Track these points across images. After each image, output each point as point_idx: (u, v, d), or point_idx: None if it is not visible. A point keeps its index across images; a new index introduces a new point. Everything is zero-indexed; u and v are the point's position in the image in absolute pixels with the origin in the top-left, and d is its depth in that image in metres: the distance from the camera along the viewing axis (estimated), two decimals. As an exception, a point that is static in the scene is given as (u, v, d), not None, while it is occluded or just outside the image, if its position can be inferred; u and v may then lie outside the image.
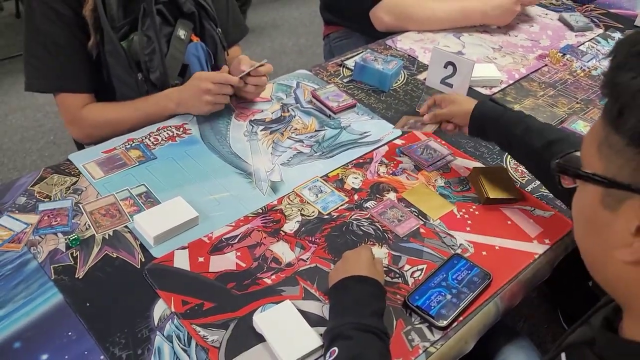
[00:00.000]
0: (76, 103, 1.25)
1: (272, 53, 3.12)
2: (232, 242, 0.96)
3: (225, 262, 0.92)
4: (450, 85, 1.25)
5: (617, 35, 1.71)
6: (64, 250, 0.92)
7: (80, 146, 1.39)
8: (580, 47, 1.63)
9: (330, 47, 1.99)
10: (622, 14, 1.85)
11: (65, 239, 0.93)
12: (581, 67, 1.54)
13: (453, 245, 0.98)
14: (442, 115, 1.11)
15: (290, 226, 0.99)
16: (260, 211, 1.02)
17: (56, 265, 0.89)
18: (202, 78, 1.19)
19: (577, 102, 1.38)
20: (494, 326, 0.89)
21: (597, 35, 1.70)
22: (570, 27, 1.73)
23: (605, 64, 1.56)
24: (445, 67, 1.24)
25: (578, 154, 0.52)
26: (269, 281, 0.89)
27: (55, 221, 0.97)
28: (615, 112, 0.46)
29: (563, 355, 0.56)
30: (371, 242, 0.97)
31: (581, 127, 1.27)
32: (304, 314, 0.83)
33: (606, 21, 1.80)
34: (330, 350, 0.72)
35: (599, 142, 0.48)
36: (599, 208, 0.49)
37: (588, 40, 1.67)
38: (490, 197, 1.04)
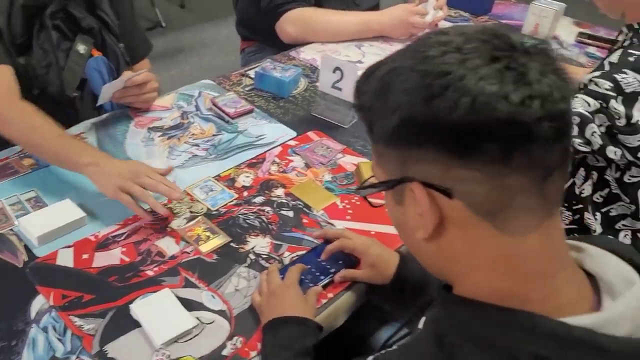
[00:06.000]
0: None
1: (200, 71, 3.16)
2: (119, 239, 0.99)
3: (109, 257, 0.95)
4: (340, 89, 1.34)
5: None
6: (-53, 255, 0.93)
7: None
8: (472, 54, 1.76)
9: (246, 61, 2.07)
10: (512, 24, 2.00)
11: (-51, 244, 0.95)
12: (470, 72, 1.66)
13: (332, 233, 1.04)
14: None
15: (178, 222, 1.04)
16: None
17: (-63, 269, 0.91)
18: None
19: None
20: (366, 307, 0.96)
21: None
22: (464, 37, 1.87)
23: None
24: (334, 72, 1.33)
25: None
26: (151, 273, 0.93)
27: (-61, 228, 0.98)
28: (368, 130, 0.54)
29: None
30: (255, 233, 1.03)
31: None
32: (184, 300, 0.87)
33: (498, 31, 1.94)
34: None
35: (376, 158, 0.56)
36: (395, 208, 0.55)
37: (479, 48, 1.81)
38: (369, 187, 1.11)
